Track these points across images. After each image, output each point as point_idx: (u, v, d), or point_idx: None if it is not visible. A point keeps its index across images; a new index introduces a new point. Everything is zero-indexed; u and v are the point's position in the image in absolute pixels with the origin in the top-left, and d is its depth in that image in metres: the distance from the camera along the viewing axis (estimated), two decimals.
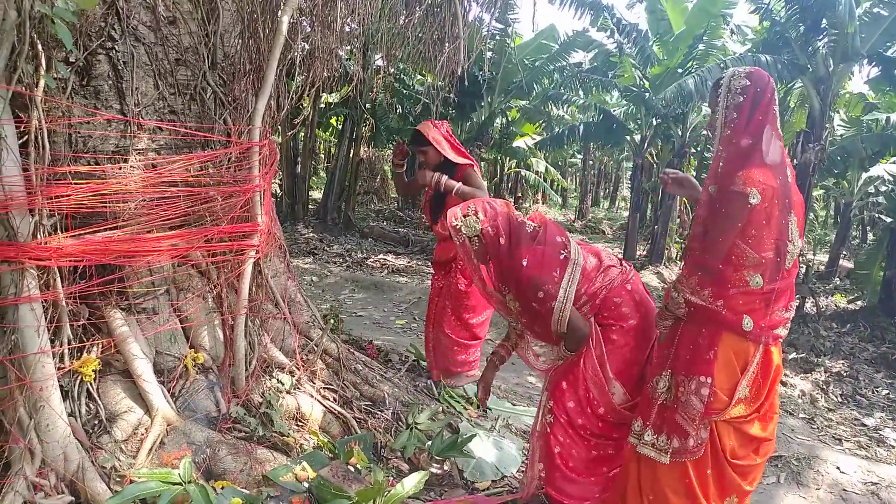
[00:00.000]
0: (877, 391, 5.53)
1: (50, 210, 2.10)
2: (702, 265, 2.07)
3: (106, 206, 2.25)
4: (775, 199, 2.02)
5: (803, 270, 9.38)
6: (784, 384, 5.41)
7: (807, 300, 8.38)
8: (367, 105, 10.64)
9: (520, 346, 2.76)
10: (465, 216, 2.49)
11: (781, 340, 2.21)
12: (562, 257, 2.40)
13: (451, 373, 3.78)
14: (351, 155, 11.78)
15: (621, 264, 2.61)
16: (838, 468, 3.72)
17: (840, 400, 5.24)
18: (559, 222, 18.52)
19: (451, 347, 3.77)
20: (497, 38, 11.12)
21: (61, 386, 2.14)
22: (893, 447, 4.24)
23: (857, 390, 5.49)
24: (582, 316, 2.47)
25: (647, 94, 11.61)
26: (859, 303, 8.96)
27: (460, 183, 3.47)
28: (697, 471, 2.14)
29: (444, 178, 3.46)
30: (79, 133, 2.32)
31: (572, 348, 2.52)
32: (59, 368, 2.14)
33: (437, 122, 3.69)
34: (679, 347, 2.16)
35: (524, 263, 2.39)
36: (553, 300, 2.37)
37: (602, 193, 29.47)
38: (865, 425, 4.65)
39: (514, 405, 3.88)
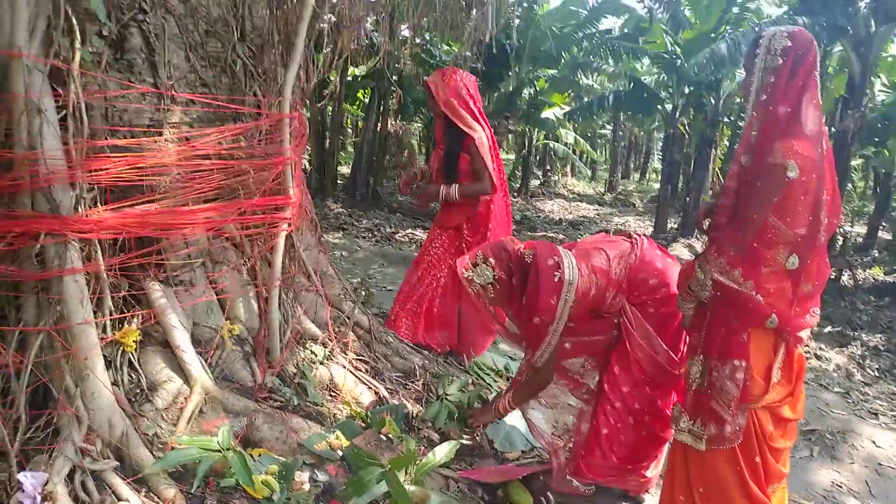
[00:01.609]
0: None
1: (89, 183, 2.14)
2: (733, 243, 1.94)
3: (143, 180, 2.28)
4: (814, 172, 1.88)
5: (840, 242, 9.14)
6: (819, 358, 5.33)
7: (843, 272, 8.19)
8: (394, 77, 10.57)
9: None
10: (475, 265, 2.44)
11: (803, 345, 2.12)
12: (556, 280, 2.35)
13: (476, 353, 3.78)
14: (378, 128, 11.74)
15: (630, 237, 2.58)
16: (874, 442, 3.67)
17: (877, 374, 5.14)
18: (587, 196, 18.22)
19: (489, 333, 3.74)
20: (524, 4, 10.91)
21: (104, 356, 2.20)
22: None
23: (895, 364, 5.38)
24: (614, 305, 2.47)
25: (678, 61, 11.31)
26: None
27: (458, 186, 3.46)
28: (747, 458, 2.07)
29: (451, 190, 3.46)
30: (114, 107, 2.35)
31: (532, 387, 2.62)
32: (101, 339, 2.20)
33: (454, 72, 3.47)
34: (710, 330, 2.07)
35: (524, 301, 2.40)
36: (550, 324, 2.37)
37: (632, 165, 29.00)
38: None
39: None
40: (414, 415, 2.94)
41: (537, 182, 18.37)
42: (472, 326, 3.68)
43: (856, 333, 6.21)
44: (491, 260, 2.43)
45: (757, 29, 8.99)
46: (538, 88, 14.26)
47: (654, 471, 2.68)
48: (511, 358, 3.98)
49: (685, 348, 2.47)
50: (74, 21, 2.04)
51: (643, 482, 2.66)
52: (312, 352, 2.88)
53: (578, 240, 2.72)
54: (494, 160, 3.54)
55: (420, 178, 3.81)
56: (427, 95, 3.52)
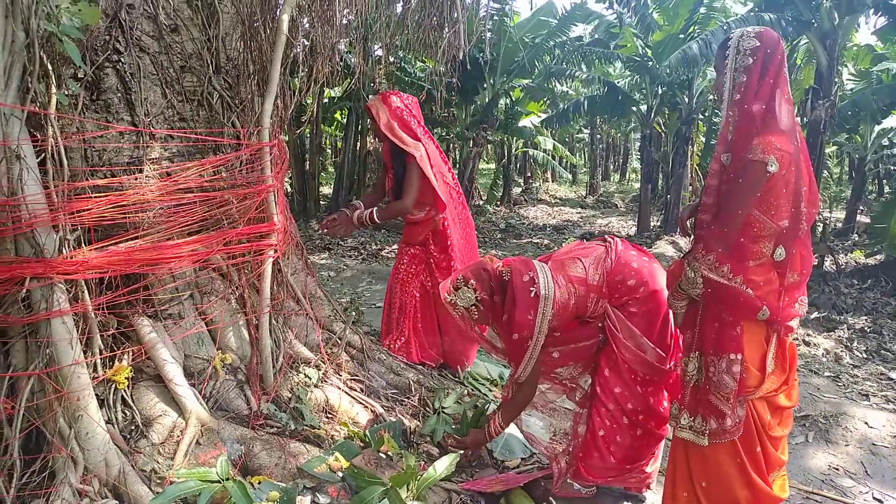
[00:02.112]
0: None
1: (73, 225, 2.15)
2: (720, 239, 1.99)
3: (126, 217, 2.29)
4: (792, 165, 1.95)
5: (820, 229, 9.27)
6: (808, 344, 5.40)
7: (826, 258, 8.31)
8: (371, 96, 10.64)
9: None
10: (456, 289, 2.48)
11: (793, 334, 2.17)
12: (532, 295, 2.40)
13: (468, 362, 3.80)
14: (358, 148, 11.80)
15: (605, 241, 2.63)
16: (866, 423, 3.72)
17: (865, 356, 5.21)
18: (569, 200, 18.25)
19: (471, 352, 3.77)
20: (495, 17, 11.04)
21: (97, 395, 2.21)
22: None
23: (882, 345, 5.45)
24: (597, 310, 2.51)
25: (650, 63, 11.49)
26: (878, 257, 8.86)
27: (376, 209, 3.45)
28: (748, 450, 2.10)
29: (364, 215, 3.44)
30: (93, 147, 2.37)
31: (517, 403, 2.65)
32: (93, 378, 2.20)
33: (395, 95, 3.52)
34: (703, 327, 2.11)
35: (504, 318, 2.45)
36: (529, 339, 2.41)
37: (612, 167, 29.25)
38: (892, 379, 4.63)
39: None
40: (412, 430, 2.95)
41: (519, 189, 18.48)
42: (454, 338, 3.70)
43: (842, 317, 6.29)
44: (472, 282, 2.46)
45: (725, 28, 9.15)
46: (514, 98, 14.39)
47: (654, 466, 2.71)
48: (504, 366, 4.00)
49: (673, 343, 2.51)
50: (50, 66, 2.07)
51: (643, 478, 2.69)
52: (306, 375, 2.89)
53: (555, 251, 2.76)
54: (439, 176, 3.54)
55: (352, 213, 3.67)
56: (370, 120, 3.57)
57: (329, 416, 2.83)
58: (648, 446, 2.62)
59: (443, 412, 3.08)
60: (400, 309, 3.69)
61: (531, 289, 2.40)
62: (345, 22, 3.61)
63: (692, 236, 2.21)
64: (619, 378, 2.52)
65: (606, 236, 2.67)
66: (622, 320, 2.48)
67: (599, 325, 2.55)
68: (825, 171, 12.73)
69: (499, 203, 15.69)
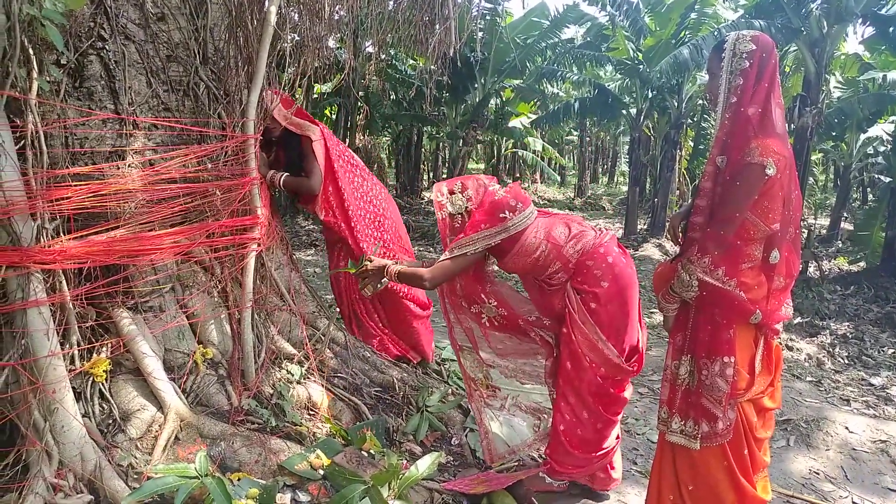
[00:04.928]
0: (882, 351, 5.56)
1: (51, 213, 2.10)
2: (716, 242, 1.97)
3: (106, 207, 2.25)
4: (787, 169, 1.95)
5: (805, 235, 9.36)
6: (790, 348, 5.44)
7: (810, 264, 8.39)
8: (361, 93, 10.60)
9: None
10: (451, 193, 2.51)
11: (779, 336, 2.20)
12: (500, 216, 2.46)
13: (425, 347, 3.77)
14: (346, 143, 11.75)
15: (599, 230, 2.64)
16: (847, 428, 3.75)
17: (846, 361, 5.26)
18: (557, 202, 18.32)
19: (424, 330, 3.74)
20: (487, 17, 11.03)
21: (74, 388, 2.16)
22: None
23: (863, 351, 5.51)
24: (555, 278, 2.54)
25: (641, 67, 11.54)
26: (861, 264, 8.96)
27: (285, 175, 3.29)
28: (735, 453, 2.10)
29: (278, 176, 3.28)
30: (75, 135, 2.32)
31: (414, 274, 2.57)
32: (70, 370, 2.16)
33: (276, 92, 3.31)
34: (696, 330, 2.09)
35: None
36: (464, 237, 2.47)
37: (600, 169, 29.38)
38: (872, 385, 4.67)
39: (522, 384, 3.90)
40: (395, 428, 2.93)
41: None
42: (406, 324, 3.67)
43: (824, 323, 6.35)
44: (469, 192, 2.52)
45: (716, 34, 9.20)
46: (504, 99, 14.39)
47: (619, 472, 2.74)
48: (489, 366, 3.98)
49: (632, 349, 2.55)
50: (31, 51, 2.02)
51: (609, 477, 2.72)
52: (289, 371, 2.86)
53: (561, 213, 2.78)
54: (338, 158, 3.45)
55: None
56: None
57: (311, 412, 2.80)
58: (607, 429, 2.63)
59: (426, 410, 3.06)
60: (349, 317, 3.63)
61: (505, 213, 2.45)
62: (335, 17, 3.58)
63: (684, 239, 2.20)
64: (580, 370, 2.53)
65: (602, 228, 2.67)
66: (580, 305, 2.50)
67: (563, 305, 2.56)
68: (811, 178, 12.85)
69: None
